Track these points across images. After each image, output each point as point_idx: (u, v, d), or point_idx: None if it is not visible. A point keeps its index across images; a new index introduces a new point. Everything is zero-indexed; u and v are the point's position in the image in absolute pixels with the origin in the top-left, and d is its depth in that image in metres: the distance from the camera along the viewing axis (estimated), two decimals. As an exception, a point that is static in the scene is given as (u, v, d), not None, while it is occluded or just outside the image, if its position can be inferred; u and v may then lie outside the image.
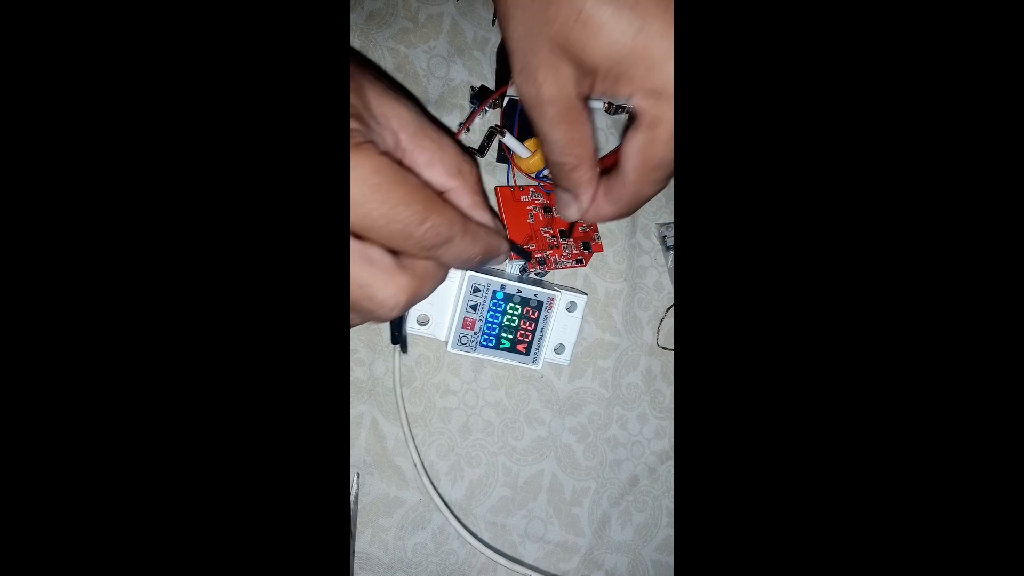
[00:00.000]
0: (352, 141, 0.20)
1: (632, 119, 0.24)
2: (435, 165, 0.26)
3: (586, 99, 0.24)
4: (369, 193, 0.21)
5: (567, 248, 0.35)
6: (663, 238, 0.39)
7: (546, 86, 0.23)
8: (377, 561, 0.34)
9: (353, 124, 0.21)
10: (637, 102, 0.23)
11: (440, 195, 0.26)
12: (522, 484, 0.37)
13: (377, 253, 0.22)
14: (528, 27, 0.23)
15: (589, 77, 0.23)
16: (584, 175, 0.26)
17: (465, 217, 0.25)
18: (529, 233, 0.34)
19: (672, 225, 0.39)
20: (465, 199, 0.27)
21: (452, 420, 0.36)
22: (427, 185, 0.23)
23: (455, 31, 0.35)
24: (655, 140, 0.23)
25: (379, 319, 0.24)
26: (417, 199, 0.22)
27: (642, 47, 0.21)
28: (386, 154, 0.22)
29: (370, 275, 0.22)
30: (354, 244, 0.22)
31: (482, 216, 0.28)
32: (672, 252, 0.38)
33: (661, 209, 0.39)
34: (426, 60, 0.35)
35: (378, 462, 0.35)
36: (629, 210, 0.27)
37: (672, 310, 0.39)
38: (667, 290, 0.39)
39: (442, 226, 0.23)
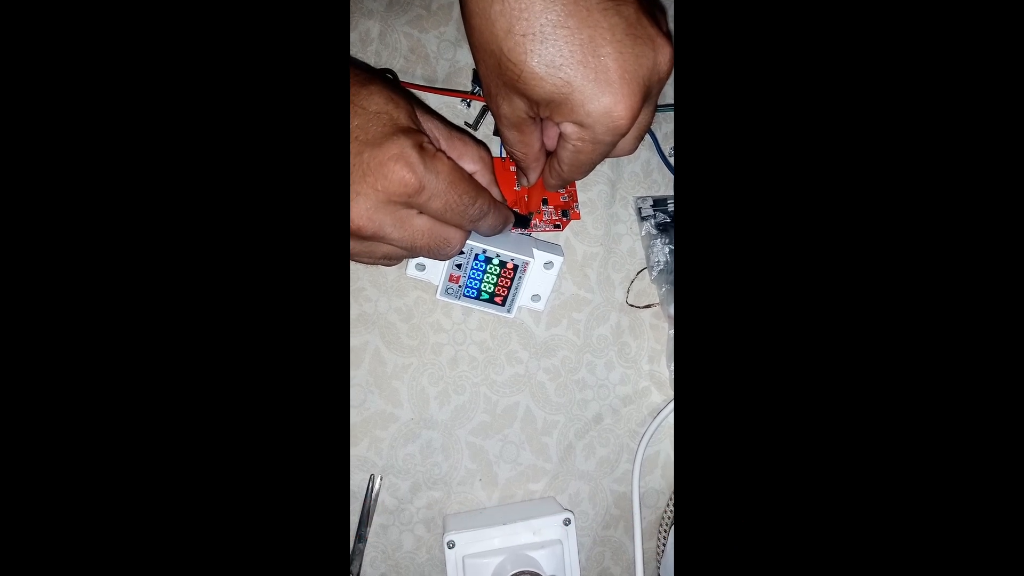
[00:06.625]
0: (431, 151, 0.31)
1: (562, 135, 0.33)
2: (463, 157, 0.36)
3: (536, 117, 0.33)
4: (447, 186, 0.31)
5: (547, 214, 0.41)
6: (638, 209, 0.44)
7: (503, 108, 0.33)
8: (372, 464, 0.42)
9: (425, 139, 0.32)
10: (565, 127, 0.32)
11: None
12: (500, 412, 0.43)
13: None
14: (490, 75, 0.32)
15: (535, 106, 0.32)
16: (531, 163, 0.37)
17: (494, 200, 0.36)
18: (514, 199, 0.40)
19: (648, 198, 0.44)
20: (486, 178, 0.37)
21: (443, 353, 0.42)
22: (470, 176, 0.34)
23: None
24: (578, 151, 0.33)
25: (445, 258, 0.36)
26: (471, 188, 0.33)
27: (567, 94, 0.30)
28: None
29: (449, 233, 0.34)
30: (437, 222, 0.33)
31: (496, 191, 0.38)
32: (646, 222, 0.44)
33: (639, 184, 0.44)
34: (436, 44, 0.41)
35: (379, 383, 0.42)
36: (565, 184, 0.38)
37: (642, 272, 0.44)
38: (639, 255, 0.45)
39: (484, 205, 0.34)
